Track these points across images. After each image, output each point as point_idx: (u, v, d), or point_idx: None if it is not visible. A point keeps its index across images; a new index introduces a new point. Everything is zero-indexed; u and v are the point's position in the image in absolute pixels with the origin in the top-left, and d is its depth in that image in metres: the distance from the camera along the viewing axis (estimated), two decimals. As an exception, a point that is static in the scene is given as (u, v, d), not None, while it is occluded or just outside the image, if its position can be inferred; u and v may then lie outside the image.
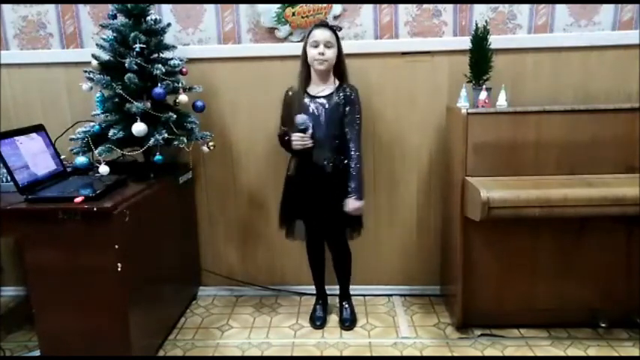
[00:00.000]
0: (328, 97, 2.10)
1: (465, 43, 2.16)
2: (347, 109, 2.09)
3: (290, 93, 2.17)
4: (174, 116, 2.06)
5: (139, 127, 1.93)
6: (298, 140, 2.07)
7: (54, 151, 2.01)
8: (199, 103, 2.23)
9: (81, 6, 2.38)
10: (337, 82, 2.13)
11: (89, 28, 2.40)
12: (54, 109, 2.45)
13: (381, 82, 2.35)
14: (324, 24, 2.08)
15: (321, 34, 2.03)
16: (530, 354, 2.04)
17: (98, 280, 1.73)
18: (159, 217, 2.10)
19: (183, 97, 2.12)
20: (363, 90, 2.22)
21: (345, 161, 2.11)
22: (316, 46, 2.04)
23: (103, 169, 1.94)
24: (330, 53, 2.04)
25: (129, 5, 2.02)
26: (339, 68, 2.12)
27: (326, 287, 2.42)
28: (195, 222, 2.56)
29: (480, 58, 2.09)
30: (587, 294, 2.14)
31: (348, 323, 2.28)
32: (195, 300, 2.61)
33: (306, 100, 2.10)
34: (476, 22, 2.19)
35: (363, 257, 2.52)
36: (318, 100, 2.10)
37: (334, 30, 2.06)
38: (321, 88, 2.12)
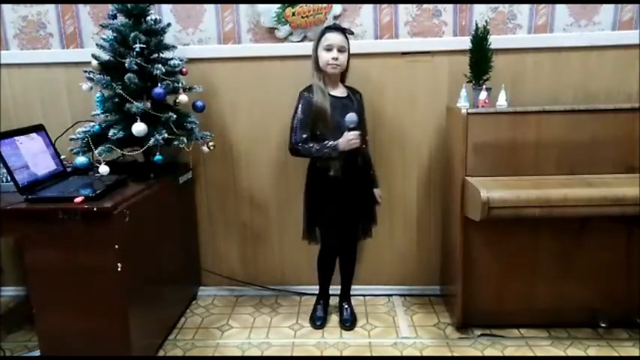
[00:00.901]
0: (348, 98, 2.12)
1: (465, 43, 2.16)
2: (362, 111, 2.18)
3: (311, 96, 2.07)
4: (174, 116, 2.05)
5: (139, 127, 1.93)
6: (355, 139, 2.02)
7: (54, 151, 2.01)
8: (199, 103, 2.23)
9: (81, 6, 2.38)
10: (341, 84, 2.15)
11: (89, 28, 2.40)
12: (54, 109, 2.45)
13: (381, 82, 2.35)
14: (337, 27, 2.07)
15: (335, 38, 2.03)
16: (530, 354, 2.04)
17: (98, 280, 1.73)
18: (159, 217, 2.10)
19: (183, 97, 2.12)
20: (363, 90, 2.22)
21: (365, 158, 2.20)
22: (329, 50, 2.03)
23: (103, 169, 1.94)
24: (343, 58, 2.05)
25: (129, 5, 2.02)
26: (346, 72, 2.14)
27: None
28: (195, 222, 2.56)
29: (480, 58, 2.09)
30: (587, 294, 2.14)
31: (348, 324, 2.28)
32: (195, 300, 2.61)
33: (332, 101, 2.08)
34: (476, 22, 2.19)
35: (363, 257, 2.52)
36: (342, 101, 2.10)
37: (345, 33, 2.06)
38: (337, 90, 2.12)
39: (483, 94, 2.08)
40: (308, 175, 2.20)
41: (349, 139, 2.01)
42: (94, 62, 2.05)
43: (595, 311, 2.14)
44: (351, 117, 2.00)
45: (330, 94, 2.08)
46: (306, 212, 2.22)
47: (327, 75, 2.09)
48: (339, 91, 2.14)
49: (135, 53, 1.97)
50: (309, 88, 2.10)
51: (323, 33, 2.06)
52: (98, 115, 2.08)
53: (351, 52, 2.17)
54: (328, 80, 2.11)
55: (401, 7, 2.30)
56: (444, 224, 2.44)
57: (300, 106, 2.09)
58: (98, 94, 2.09)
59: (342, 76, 2.16)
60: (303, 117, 2.07)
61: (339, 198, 2.10)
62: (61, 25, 2.40)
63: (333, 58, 2.02)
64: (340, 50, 2.04)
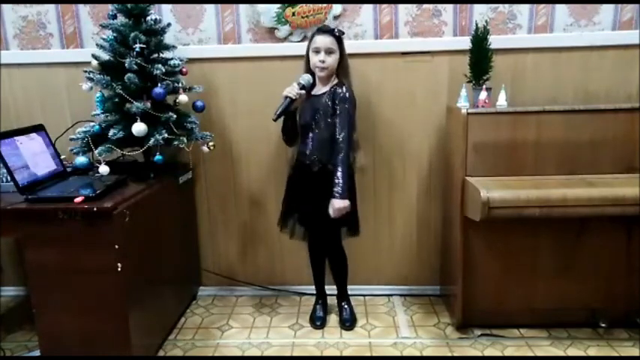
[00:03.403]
0: (321, 95, 2.10)
1: (465, 43, 2.16)
2: (337, 108, 2.03)
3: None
4: (174, 116, 2.06)
5: (139, 127, 1.93)
6: (291, 89, 2.01)
7: (54, 151, 2.01)
8: (199, 103, 2.23)
9: (81, 6, 2.38)
10: (330, 82, 2.12)
11: (89, 28, 2.40)
12: (54, 109, 2.45)
13: (381, 82, 2.35)
14: (326, 29, 2.07)
15: (322, 41, 2.03)
16: (530, 354, 2.04)
17: (98, 280, 1.73)
18: (159, 217, 2.10)
19: (183, 97, 2.13)
20: (363, 90, 2.22)
21: (322, 164, 2.08)
22: (318, 52, 2.04)
23: (103, 169, 1.94)
24: (331, 60, 2.04)
25: (129, 5, 2.02)
26: (341, 71, 2.11)
27: (325, 287, 2.42)
28: (195, 222, 2.56)
29: (480, 58, 2.09)
30: (587, 294, 2.14)
31: (348, 324, 2.28)
32: (195, 300, 2.61)
33: (311, 100, 2.10)
34: (476, 22, 2.19)
35: (363, 257, 2.52)
36: (313, 99, 2.10)
37: (336, 35, 2.05)
38: (319, 88, 2.12)
39: (483, 94, 2.08)
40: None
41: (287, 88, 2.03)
42: (94, 62, 2.05)
43: (595, 311, 2.14)
44: (305, 76, 2.06)
45: (312, 94, 2.11)
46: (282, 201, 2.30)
47: (317, 76, 2.09)
48: (322, 89, 2.12)
49: (135, 53, 1.97)
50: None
51: (313, 35, 2.07)
52: (98, 115, 2.08)
53: (351, 52, 2.17)
54: (318, 80, 2.11)
55: (401, 7, 2.30)
56: (444, 224, 2.44)
57: None
58: (98, 94, 2.09)
59: (340, 74, 2.12)
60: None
61: (293, 194, 2.20)
62: (61, 25, 2.40)
63: (320, 61, 2.03)
64: (328, 52, 2.03)
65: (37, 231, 1.71)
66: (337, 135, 2.02)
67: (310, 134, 2.11)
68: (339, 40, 2.06)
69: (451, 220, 2.24)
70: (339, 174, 2.00)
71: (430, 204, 2.49)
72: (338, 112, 2.03)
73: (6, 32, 2.42)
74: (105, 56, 2.06)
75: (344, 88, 2.05)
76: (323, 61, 2.03)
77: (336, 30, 2.06)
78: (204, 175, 2.53)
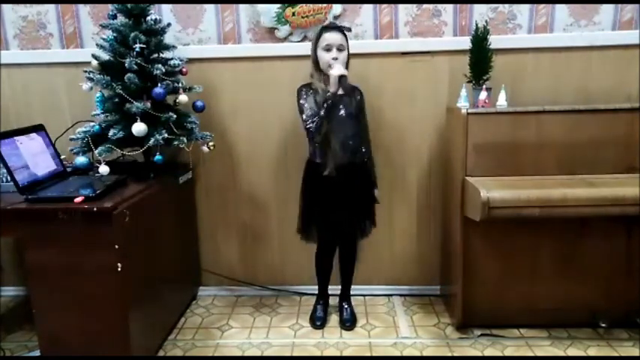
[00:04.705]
0: (347, 96, 2.09)
1: (465, 43, 2.16)
2: (362, 108, 2.18)
3: (311, 89, 2.08)
4: (174, 116, 2.05)
5: (139, 127, 1.93)
6: (335, 65, 1.98)
7: (54, 151, 2.01)
8: (199, 103, 2.23)
9: (81, 6, 2.38)
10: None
11: (89, 28, 2.40)
12: (54, 109, 2.45)
13: (381, 82, 2.35)
14: (334, 26, 2.06)
15: (332, 38, 2.02)
16: (530, 354, 2.04)
17: (98, 280, 1.73)
18: (159, 217, 2.10)
19: (183, 97, 2.12)
20: (363, 90, 2.22)
21: (363, 157, 2.20)
22: (329, 50, 2.02)
23: (103, 169, 1.94)
24: (343, 57, 2.04)
25: (129, 5, 2.02)
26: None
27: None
28: (195, 222, 2.56)
29: (480, 58, 2.09)
30: (587, 294, 2.14)
31: (348, 324, 2.28)
32: (195, 300, 2.61)
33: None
34: (476, 22, 2.19)
35: (363, 257, 2.52)
36: (342, 98, 2.07)
37: (343, 32, 2.05)
38: (335, 89, 2.05)
39: (483, 94, 2.08)
40: (304, 173, 2.20)
41: (332, 69, 1.98)
42: (94, 62, 2.05)
43: (595, 311, 2.14)
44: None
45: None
46: (301, 209, 2.23)
47: (328, 75, 2.08)
48: (340, 90, 2.11)
49: (135, 53, 1.97)
50: (307, 85, 2.10)
51: (320, 33, 2.05)
52: (98, 115, 2.08)
53: (351, 52, 2.16)
54: (327, 79, 2.09)
55: (401, 7, 2.30)
56: (444, 224, 2.44)
57: (304, 96, 2.08)
58: (98, 94, 2.09)
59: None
60: (309, 102, 2.05)
61: (333, 197, 2.11)
62: (61, 25, 2.40)
63: (333, 59, 2.02)
64: (339, 49, 2.03)
65: (37, 231, 1.71)
66: (363, 133, 2.19)
67: (350, 131, 2.10)
68: (346, 37, 2.07)
69: (451, 220, 2.24)
70: (374, 167, 2.26)
71: (430, 204, 2.49)
72: (362, 112, 2.19)
73: (6, 32, 2.42)
74: (105, 56, 2.06)
75: (359, 92, 2.19)
76: (336, 59, 2.02)
77: (343, 27, 2.07)
78: (204, 175, 2.53)
